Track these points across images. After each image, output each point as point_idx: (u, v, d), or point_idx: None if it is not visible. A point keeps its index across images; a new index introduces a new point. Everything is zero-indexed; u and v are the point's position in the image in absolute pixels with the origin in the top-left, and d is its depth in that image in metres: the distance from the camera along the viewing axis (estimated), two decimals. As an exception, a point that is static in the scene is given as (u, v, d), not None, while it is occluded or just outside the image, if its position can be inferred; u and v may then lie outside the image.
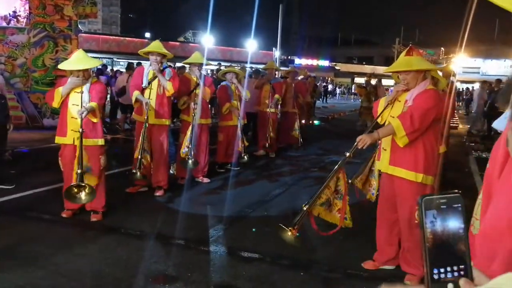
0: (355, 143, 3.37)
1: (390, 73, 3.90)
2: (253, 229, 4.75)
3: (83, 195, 4.38)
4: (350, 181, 3.70)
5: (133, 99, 5.68)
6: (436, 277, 0.76)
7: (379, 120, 3.65)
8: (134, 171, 5.53)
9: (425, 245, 0.76)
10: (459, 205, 0.77)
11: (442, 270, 0.76)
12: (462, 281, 0.75)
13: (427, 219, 0.76)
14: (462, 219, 0.77)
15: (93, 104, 4.61)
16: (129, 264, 3.76)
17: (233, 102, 7.21)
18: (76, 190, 4.37)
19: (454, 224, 0.76)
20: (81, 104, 4.52)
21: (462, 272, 0.76)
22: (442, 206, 0.76)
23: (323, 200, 3.42)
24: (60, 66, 4.88)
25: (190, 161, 6.04)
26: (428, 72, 3.55)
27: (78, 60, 4.64)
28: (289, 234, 3.08)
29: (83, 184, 4.37)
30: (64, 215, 4.79)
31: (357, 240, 4.48)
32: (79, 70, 4.58)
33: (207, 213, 5.32)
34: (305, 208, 3.24)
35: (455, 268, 0.76)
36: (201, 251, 4.13)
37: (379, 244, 3.87)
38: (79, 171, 4.35)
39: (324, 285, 3.68)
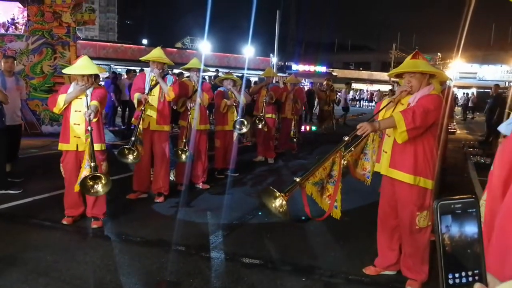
0: (355, 130, 3.35)
1: (389, 78, 3.91)
2: (253, 235, 4.76)
3: (100, 187, 4.33)
4: (343, 160, 3.70)
5: (135, 102, 5.69)
6: (451, 282, 0.75)
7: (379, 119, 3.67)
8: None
9: (440, 250, 0.75)
10: (474, 210, 0.77)
11: (457, 275, 0.75)
12: (477, 286, 0.75)
13: (442, 224, 0.75)
14: (477, 224, 0.76)
15: (95, 102, 4.62)
16: (131, 271, 3.76)
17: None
18: (91, 182, 4.31)
19: (469, 229, 0.76)
20: (87, 107, 4.54)
21: (476, 277, 0.76)
22: (457, 211, 0.76)
23: (316, 180, 3.40)
24: (66, 71, 4.90)
25: (184, 155, 6.10)
26: (432, 78, 3.58)
27: (84, 66, 4.66)
28: (279, 200, 3.02)
29: (99, 175, 4.33)
30: (64, 222, 4.79)
31: (358, 245, 4.50)
32: (83, 76, 4.61)
33: (208, 219, 5.33)
34: (297, 180, 3.22)
35: (469, 273, 0.75)
36: (202, 258, 4.13)
37: (380, 249, 3.88)
38: (92, 164, 4.32)
39: (326, 290, 3.68)
